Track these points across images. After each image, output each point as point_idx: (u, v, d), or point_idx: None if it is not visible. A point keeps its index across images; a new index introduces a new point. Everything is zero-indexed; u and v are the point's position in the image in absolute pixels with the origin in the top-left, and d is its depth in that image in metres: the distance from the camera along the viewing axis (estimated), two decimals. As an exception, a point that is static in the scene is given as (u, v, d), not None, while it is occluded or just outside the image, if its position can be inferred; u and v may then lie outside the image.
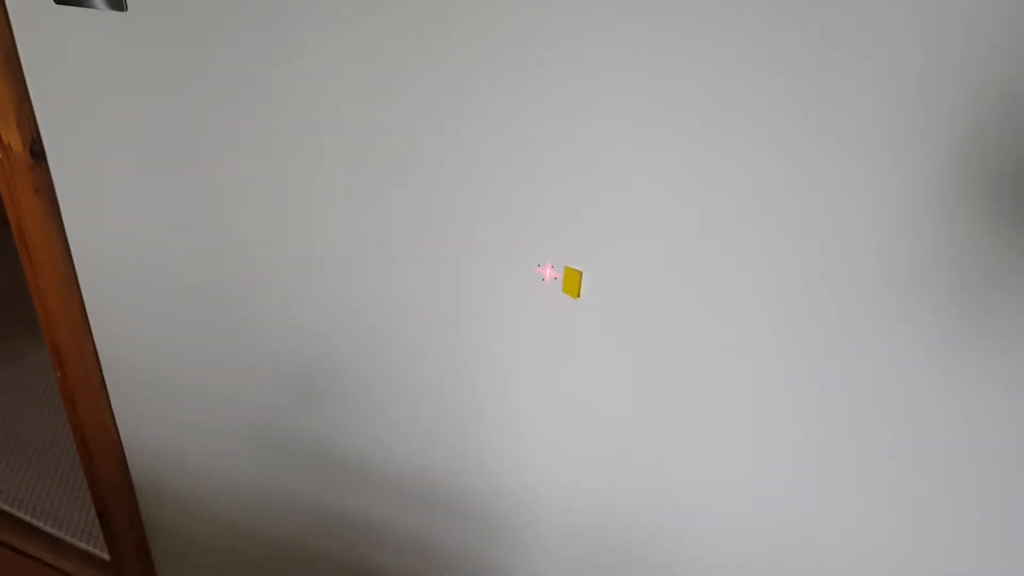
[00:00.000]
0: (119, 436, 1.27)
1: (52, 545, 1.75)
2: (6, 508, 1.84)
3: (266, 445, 1.14)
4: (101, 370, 1.20)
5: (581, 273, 0.77)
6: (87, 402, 1.21)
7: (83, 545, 1.75)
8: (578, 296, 0.78)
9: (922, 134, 0.58)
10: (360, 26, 0.75)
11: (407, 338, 0.92)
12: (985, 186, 0.58)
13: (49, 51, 0.96)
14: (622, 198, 0.71)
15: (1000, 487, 0.68)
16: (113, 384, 1.22)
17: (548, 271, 0.79)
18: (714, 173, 0.66)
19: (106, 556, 1.70)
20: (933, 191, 0.59)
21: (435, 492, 1.02)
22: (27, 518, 1.82)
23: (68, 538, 1.77)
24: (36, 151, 1.02)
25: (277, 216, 0.92)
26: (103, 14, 0.88)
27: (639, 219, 0.71)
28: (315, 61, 0.80)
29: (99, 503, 1.34)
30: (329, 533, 1.16)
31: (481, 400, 0.91)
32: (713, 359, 0.74)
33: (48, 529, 1.79)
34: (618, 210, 0.72)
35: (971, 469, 0.68)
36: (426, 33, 0.73)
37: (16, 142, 1.01)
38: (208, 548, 1.34)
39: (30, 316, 2.47)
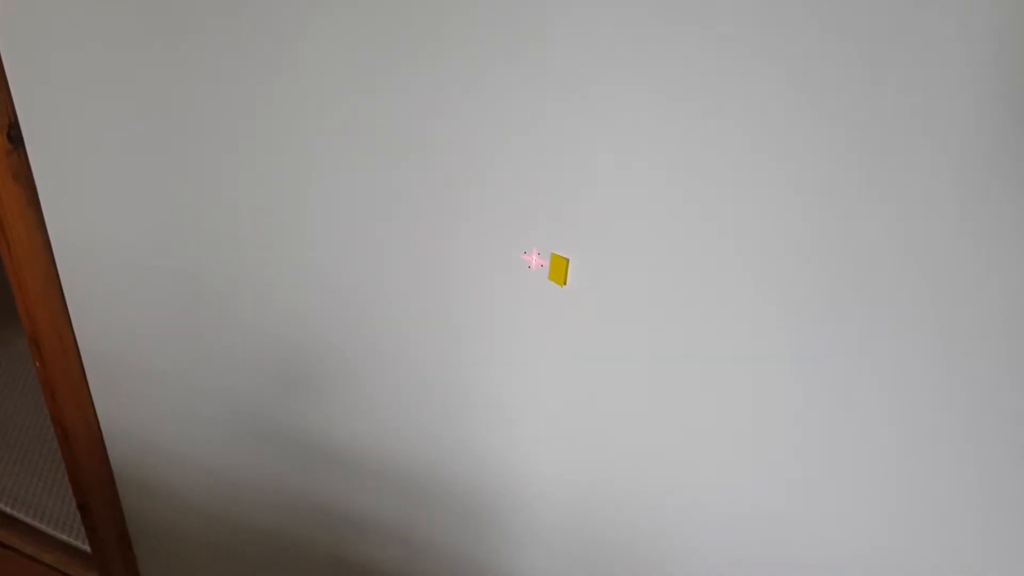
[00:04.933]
0: (99, 427, 1.26)
1: (33, 536, 1.74)
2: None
3: (249, 435, 1.13)
4: (81, 360, 1.19)
5: (568, 260, 0.77)
6: (67, 392, 1.20)
7: (64, 537, 1.74)
8: (564, 284, 0.78)
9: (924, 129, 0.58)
10: (352, 12, 0.74)
11: (393, 327, 0.91)
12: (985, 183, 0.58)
13: (27, 32, 0.94)
14: (609, 184, 0.71)
15: (1001, 487, 0.68)
16: (93, 374, 1.21)
17: (534, 258, 0.78)
18: (702, 159, 0.66)
19: (87, 548, 1.69)
20: (939, 187, 0.59)
21: (421, 482, 1.01)
22: (7, 509, 1.80)
23: (49, 530, 1.76)
24: (14, 136, 1.01)
25: (262, 204, 0.91)
26: (81, -4, 0.87)
27: (626, 206, 0.71)
28: (305, 46, 0.79)
29: (80, 494, 1.32)
30: (313, 523, 1.16)
31: (468, 389, 0.91)
32: (703, 348, 0.74)
33: (29, 520, 1.78)
34: (605, 197, 0.72)
35: (973, 469, 0.68)
36: (416, 21, 0.72)
37: (-8, 127, 0.99)
38: (190, 538, 1.33)
39: (12, 304, 2.45)
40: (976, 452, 0.67)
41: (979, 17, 0.53)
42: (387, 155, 0.80)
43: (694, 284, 0.71)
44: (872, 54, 0.57)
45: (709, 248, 0.69)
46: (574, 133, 0.70)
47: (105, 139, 0.97)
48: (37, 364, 1.18)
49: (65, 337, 1.16)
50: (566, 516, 0.93)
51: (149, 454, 1.25)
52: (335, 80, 0.79)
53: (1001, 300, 0.61)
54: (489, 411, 0.91)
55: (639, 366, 0.78)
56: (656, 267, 0.72)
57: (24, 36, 0.95)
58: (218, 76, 0.85)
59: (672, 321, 0.74)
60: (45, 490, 1.86)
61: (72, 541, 1.73)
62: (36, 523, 1.77)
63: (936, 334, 0.64)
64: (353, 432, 1.03)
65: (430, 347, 0.90)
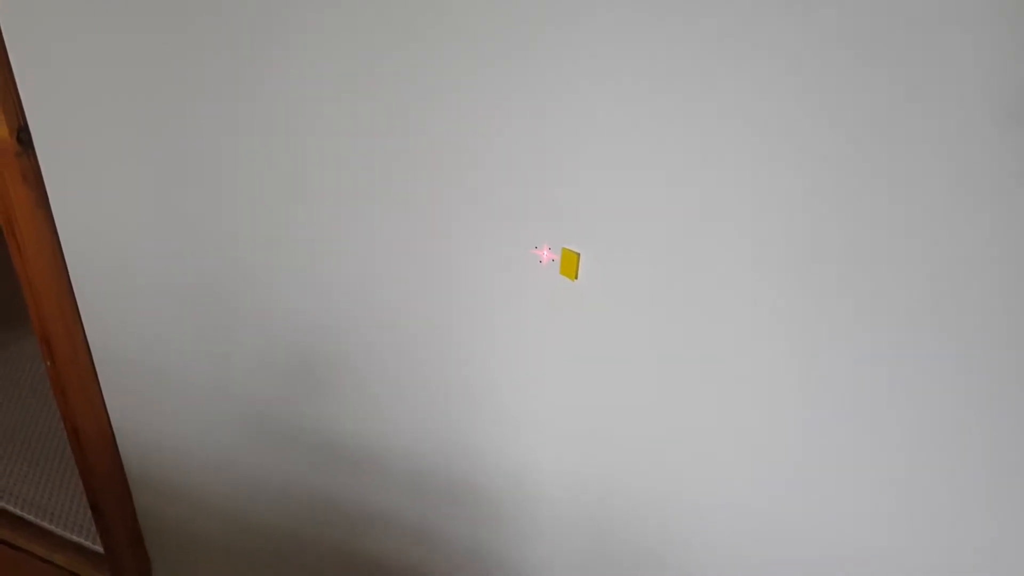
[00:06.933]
0: (111, 426, 1.26)
1: (44, 538, 1.74)
2: (7, 507, 1.83)
3: (259, 433, 1.14)
4: (92, 360, 1.20)
5: (579, 255, 0.77)
6: (78, 392, 1.21)
7: (75, 537, 1.75)
8: (576, 278, 0.78)
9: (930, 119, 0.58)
10: (353, 8, 0.75)
11: (403, 325, 0.92)
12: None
13: (35, 36, 0.95)
14: (620, 178, 0.71)
15: (1005, 486, 0.68)
16: (104, 374, 1.21)
17: (545, 253, 0.79)
18: (712, 155, 0.66)
19: (98, 548, 1.70)
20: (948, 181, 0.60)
21: (431, 478, 1.02)
22: (18, 511, 1.81)
23: (59, 531, 1.76)
24: (23, 139, 1.01)
25: (270, 204, 0.92)
26: (90, -2, 0.87)
27: (637, 199, 0.71)
28: (307, 45, 0.79)
29: (92, 494, 1.33)
30: (323, 521, 1.17)
31: (478, 386, 0.91)
32: (713, 342, 0.75)
33: (39, 522, 1.79)
34: (616, 191, 0.72)
35: (977, 467, 0.69)
36: (423, 14, 0.72)
37: (3, 129, 1.00)
38: (202, 537, 1.34)
39: (14, 307, 2.45)
40: (979, 450, 0.68)
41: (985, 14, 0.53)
42: (395, 152, 0.81)
43: (702, 278, 0.72)
44: (881, 53, 0.57)
45: (718, 242, 0.70)
46: (585, 129, 0.70)
47: (113, 141, 0.97)
48: (48, 364, 1.19)
49: (76, 337, 1.16)
50: (575, 510, 0.94)
51: (160, 453, 1.25)
52: (341, 77, 0.79)
53: (1006, 299, 0.61)
54: (500, 407, 0.91)
55: (648, 361, 0.79)
56: (665, 261, 0.73)
57: (33, 40, 0.95)
58: (223, 79, 0.86)
59: (680, 315, 0.75)
60: (54, 492, 1.87)
61: (83, 542, 1.73)
62: (47, 524, 1.78)
63: (940, 332, 0.65)
64: (363, 430, 1.03)
65: (440, 345, 0.91)
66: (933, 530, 0.73)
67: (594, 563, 0.96)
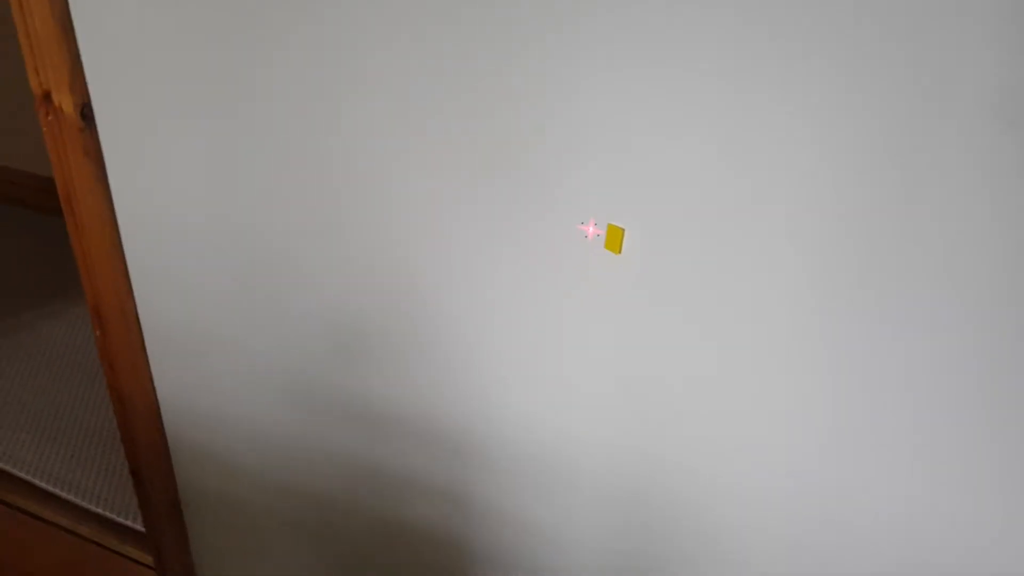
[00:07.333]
0: (156, 397, 1.29)
1: (71, 511, 1.78)
2: (33, 481, 1.86)
3: (304, 404, 1.17)
4: (141, 332, 1.23)
5: (623, 230, 0.81)
6: (126, 363, 1.24)
7: (100, 510, 1.78)
8: (620, 252, 0.82)
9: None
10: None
11: (448, 297, 0.95)
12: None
13: (101, 13, 0.98)
14: (666, 153, 0.74)
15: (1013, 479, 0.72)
16: (152, 345, 1.24)
17: (591, 228, 0.82)
18: (753, 135, 0.69)
19: (123, 520, 1.73)
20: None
21: (471, 448, 1.05)
22: (45, 485, 1.84)
23: (85, 503, 1.80)
24: (87, 114, 1.05)
25: (323, 181, 0.95)
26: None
27: (682, 175, 0.74)
28: (362, 22, 0.82)
29: (134, 463, 1.36)
30: (365, 488, 1.20)
31: (522, 358, 0.94)
32: (756, 317, 0.77)
33: (66, 495, 1.82)
34: (661, 166, 0.75)
35: (1006, 439, 0.71)
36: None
37: (68, 104, 1.03)
38: (241, 506, 1.37)
39: (25, 291, 2.47)
40: (990, 448, 0.71)
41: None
42: (443, 128, 0.83)
43: (751, 253, 0.75)
44: (915, 40, 0.60)
45: (767, 216, 0.72)
46: (631, 101, 0.73)
47: (173, 118, 1.01)
48: (97, 333, 1.22)
49: (127, 309, 1.20)
50: (613, 480, 0.97)
51: (204, 423, 1.28)
52: (388, 57, 0.82)
53: (1011, 293, 0.65)
54: (543, 378, 0.94)
55: (692, 334, 0.82)
56: (712, 235, 0.76)
57: (99, 19, 0.98)
58: (283, 59, 0.89)
59: (728, 290, 0.77)
60: (80, 467, 1.89)
61: (109, 514, 1.77)
62: (73, 498, 1.81)
63: (954, 324, 0.68)
64: (405, 400, 1.06)
65: (484, 317, 0.93)
66: (964, 499, 0.76)
67: (634, 533, 0.99)
